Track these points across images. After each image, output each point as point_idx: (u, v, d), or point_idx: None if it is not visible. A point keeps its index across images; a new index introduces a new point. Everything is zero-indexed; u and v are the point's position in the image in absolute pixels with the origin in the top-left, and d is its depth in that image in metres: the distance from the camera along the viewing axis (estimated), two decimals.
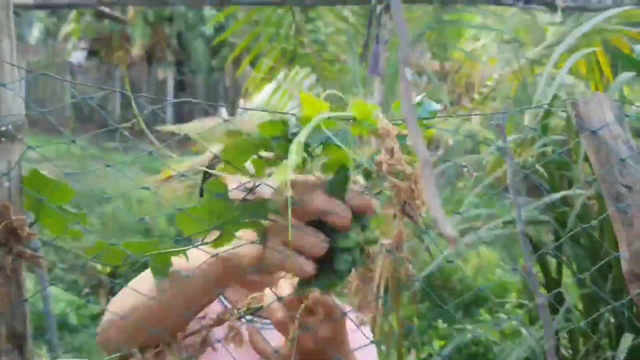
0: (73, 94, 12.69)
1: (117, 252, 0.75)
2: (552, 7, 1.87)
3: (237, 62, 8.73)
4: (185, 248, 0.73)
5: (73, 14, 12.04)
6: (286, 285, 0.86)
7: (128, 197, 7.07)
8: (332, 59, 3.18)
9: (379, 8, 2.12)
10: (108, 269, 5.39)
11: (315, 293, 0.82)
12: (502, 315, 4.30)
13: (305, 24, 2.96)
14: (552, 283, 2.92)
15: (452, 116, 1.74)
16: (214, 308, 1.05)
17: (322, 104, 0.67)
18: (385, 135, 0.66)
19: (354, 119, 0.68)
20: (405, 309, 4.17)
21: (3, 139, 0.66)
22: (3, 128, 0.66)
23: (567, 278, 3.13)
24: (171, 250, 0.73)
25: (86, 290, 5.73)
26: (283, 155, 0.67)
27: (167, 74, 12.00)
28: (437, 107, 0.74)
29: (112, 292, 5.49)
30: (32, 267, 5.68)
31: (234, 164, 0.65)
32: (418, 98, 0.79)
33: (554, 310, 2.61)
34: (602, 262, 1.72)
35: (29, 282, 5.02)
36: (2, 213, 0.63)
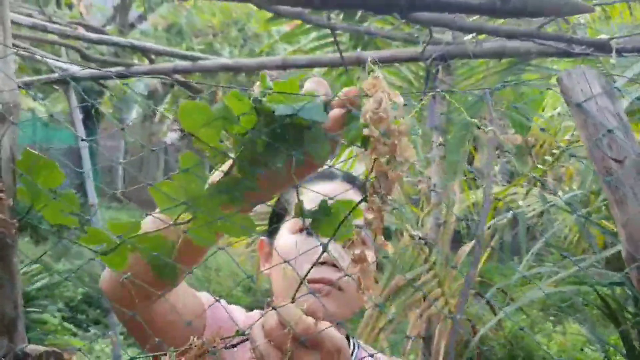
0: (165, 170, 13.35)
1: (104, 238, 0.77)
2: (608, 50, 1.81)
3: None
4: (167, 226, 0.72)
5: (169, 97, 12.87)
6: (272, 315, 0.79)
7: (207, 265, 7.25)
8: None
9: (428, 61, 2.13)
10: None
11: (304, 323, 0.77)
12: None
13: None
14: (634, 357, 2.67)
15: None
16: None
17: (294, 83, 0.68)
18: (374, 87, 0.64)
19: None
20: None
21: None
22: None
23: None
24: (153, 231, 0.73)
25: None
26: (250, 130, 0.66)
27: None
28: None
29: None
30: (107, 329, 5.80)
31: (202, 138, 0.66)
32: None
33: None
34: None
35: (106, 348, 5.15)
36: None
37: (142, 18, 9.68)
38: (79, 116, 4.08)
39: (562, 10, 1.04)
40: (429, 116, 2.52)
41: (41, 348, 0.76)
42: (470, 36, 2.65)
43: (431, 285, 2.66)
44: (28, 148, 0.74)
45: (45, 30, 2.34)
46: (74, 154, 5.62)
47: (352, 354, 1.16)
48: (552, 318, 5.73)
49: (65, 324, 5.56)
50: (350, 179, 1.19)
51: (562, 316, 5.25)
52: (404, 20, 2.21)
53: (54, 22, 2.49)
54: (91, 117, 9.77)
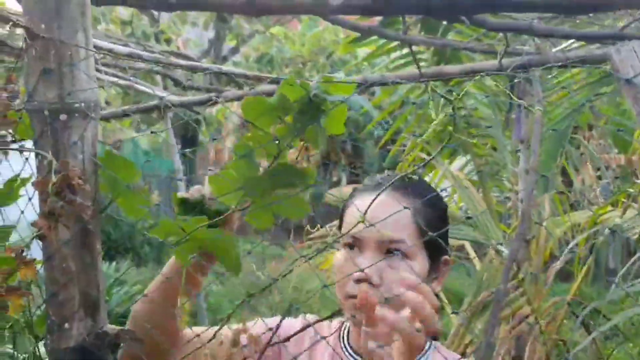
0: None
1: (173, 230, 0.83)
2: None
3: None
4: (221, 217, 0.77)
5: None
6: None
7: (299, 289, 7.39)
8: (480, 134, 3.12)
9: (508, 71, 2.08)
10: None
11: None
12: None
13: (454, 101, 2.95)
14: None
15: None
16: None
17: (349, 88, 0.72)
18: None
19: None
20: None
21: (76, 115, 0.78)
22: (76, 105, 0.78)
23: None
24: (213, 221, 0.78)
25: None
26: (304, 118, 0.70)
27: (342, 176, 12.58)
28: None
29: None
30: None
31: (259, 126, 0.70)
32: None
33: None
34: None
35: None
36: (63, 167, 0.74)
37: (235, 50, 10.11)
38: (174, 142, 4.29)
39: (634, 1, 1.00)
40: (515, 128, 2.47)
41: (117, 328, 0.82)
42: (567, 43, 2.57)
43: (520, 302, 2.57)
44: (110, 149, 0.82)
45: (140, 58, 2.53)
46: (174, 181, 5.92)
47: (425, 354, 1.15)
48: None
49: None
50: (403, 187, 1.15)
51: None
52: (483, 31, 2.20)
53: (149, 51, 2.67)
54: (190, 147, 10.20)
